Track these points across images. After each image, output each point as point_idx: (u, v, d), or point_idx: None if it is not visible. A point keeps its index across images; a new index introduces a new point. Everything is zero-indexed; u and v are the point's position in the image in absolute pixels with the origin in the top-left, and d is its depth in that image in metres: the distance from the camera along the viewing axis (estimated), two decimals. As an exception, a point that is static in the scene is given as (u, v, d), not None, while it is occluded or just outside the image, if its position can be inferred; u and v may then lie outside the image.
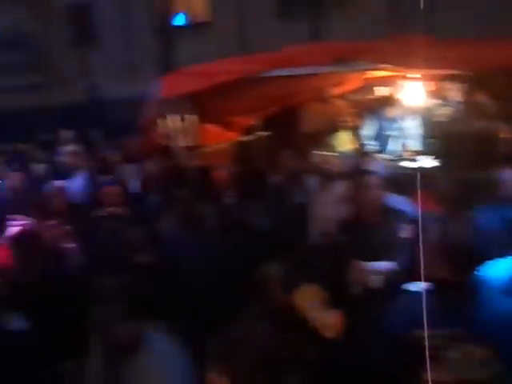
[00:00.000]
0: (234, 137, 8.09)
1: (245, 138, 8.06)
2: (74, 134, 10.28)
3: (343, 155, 6.54)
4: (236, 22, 14.27)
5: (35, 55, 17.12)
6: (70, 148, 9.07)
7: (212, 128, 7.90)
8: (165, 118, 7.50)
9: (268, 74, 6.32)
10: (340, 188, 4.61)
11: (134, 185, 6.38)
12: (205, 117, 7.84)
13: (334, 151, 6.84)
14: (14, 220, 4.89)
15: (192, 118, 7.84)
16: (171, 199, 5.10)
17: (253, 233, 4.36)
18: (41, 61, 17.15)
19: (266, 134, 8.27)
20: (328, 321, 2.62)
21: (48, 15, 17.00)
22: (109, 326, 2.67)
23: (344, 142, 7.35)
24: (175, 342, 2.77)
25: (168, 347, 2.70)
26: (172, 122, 7.65)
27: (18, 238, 4.04)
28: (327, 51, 6.37)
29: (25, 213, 5.11)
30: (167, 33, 13.87)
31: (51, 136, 10.72)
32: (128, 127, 10.15)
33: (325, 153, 6.37)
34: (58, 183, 5.92)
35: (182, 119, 7.85)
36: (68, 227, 4.57)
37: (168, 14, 14.12)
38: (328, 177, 5.20)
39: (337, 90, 8.01)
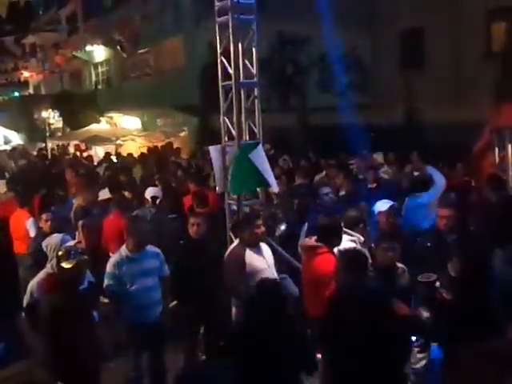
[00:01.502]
0: None
1: None
2: (391, 155, 10.65)
3: None
4: None
5: (364, 77, 18.17)
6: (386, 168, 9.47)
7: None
8: (499, 147, 7.13)
9: None
10: None
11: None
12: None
13: None
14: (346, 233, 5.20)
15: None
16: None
17: None
18: (368, 83, 18.12)
19: None
20: None
21: (381, 40, 17.87)
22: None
23: None
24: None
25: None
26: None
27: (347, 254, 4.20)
28: None
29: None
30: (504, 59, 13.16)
31: (373, 153, 11.31)
32: (447, 152, 10.05)
33: None
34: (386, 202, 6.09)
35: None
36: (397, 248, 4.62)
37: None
38: None
39: None
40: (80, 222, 6.60)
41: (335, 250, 4.66)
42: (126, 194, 8.08)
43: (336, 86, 17.80)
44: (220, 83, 6.24)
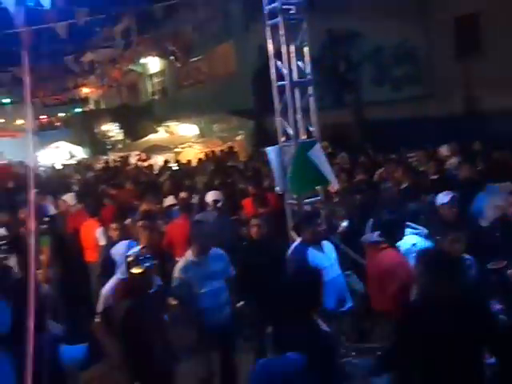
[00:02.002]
0: None
1: None
2: (456, 146, 10.36)
3: None
4: None
5: (419, 68, 17.77)
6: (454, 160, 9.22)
7: None
8: None
9: None
10: None
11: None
12: None
13: None
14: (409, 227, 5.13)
15: None
16: None
17: None
18: (423, 73, 17.71)
19: None
20: None
21: (435, 29, 17.40)
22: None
23: None
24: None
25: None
26: None
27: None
28: None
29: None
30: None
31: (432, 146, 11.05)
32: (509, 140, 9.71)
33: None
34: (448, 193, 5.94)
35: None
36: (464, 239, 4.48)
37: None
38: None
39: None
40: (140, 223, 6.76)
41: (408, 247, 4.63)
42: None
43: (390, 80, 17.54)
44: (274, 84, 6.30)
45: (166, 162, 16.34)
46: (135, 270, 4.32)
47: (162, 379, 4.56)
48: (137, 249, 4.59)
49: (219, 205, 7.65)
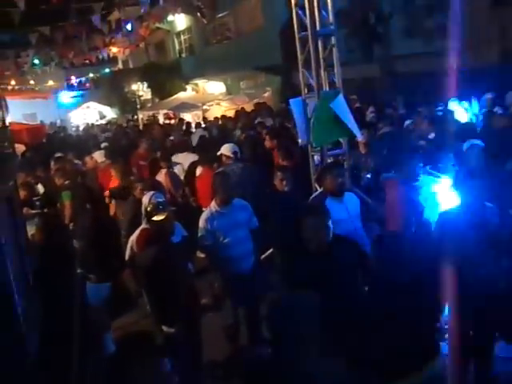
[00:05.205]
0: None
1: None
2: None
3: None
4: None
5: (454, 19, 17.14)
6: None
7: None
8: None
9: None
10: None
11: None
12: None
13: None
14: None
15: None
16: None
17: None
18: (458, 25, 17.08)
19: None
20: None
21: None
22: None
23: None
24: None
25: None
26: None
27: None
28: None
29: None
30: None
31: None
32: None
33: None
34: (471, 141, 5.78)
35: None
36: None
37: None
38: None
39: None
40: (163, 171, 7.27)
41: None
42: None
43: (422, 31, 16.97)
44: (296, 35, 6.20)
45: (199, 123, 16.50)
46: (156, 218, 4.41)
47: (187, 327, 4.69)
48: (157, 198, 4.68)
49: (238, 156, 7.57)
